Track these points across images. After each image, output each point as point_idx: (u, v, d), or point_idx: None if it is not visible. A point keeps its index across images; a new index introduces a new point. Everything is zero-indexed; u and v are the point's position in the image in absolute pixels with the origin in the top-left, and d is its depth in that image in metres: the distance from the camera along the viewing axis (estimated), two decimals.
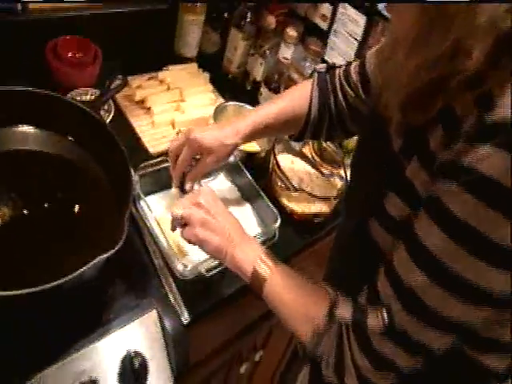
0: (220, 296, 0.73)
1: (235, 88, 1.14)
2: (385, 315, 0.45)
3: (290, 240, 0.82)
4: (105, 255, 0.54)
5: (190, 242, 0.64)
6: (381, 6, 0.93)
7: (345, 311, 0.49)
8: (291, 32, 1.03)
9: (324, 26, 1.09)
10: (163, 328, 0.65)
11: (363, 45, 0.96)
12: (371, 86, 0.67)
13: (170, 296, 0.70)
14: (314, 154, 0.89)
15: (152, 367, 0.61)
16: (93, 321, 0.63)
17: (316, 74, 0.74)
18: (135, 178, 0.84)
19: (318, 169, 0.90)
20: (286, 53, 1.05)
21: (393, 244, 0.47)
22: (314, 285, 0.56)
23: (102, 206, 0.71)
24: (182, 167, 0.74)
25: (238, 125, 0.73)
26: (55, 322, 0.60)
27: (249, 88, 1.14)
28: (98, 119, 0.73)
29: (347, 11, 1.02)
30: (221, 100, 1.10)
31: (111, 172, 0.74)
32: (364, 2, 0.96)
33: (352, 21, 1.00)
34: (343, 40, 1.02)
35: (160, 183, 0.88)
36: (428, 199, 0.42)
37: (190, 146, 0.72)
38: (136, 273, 0.71)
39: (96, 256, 0.54)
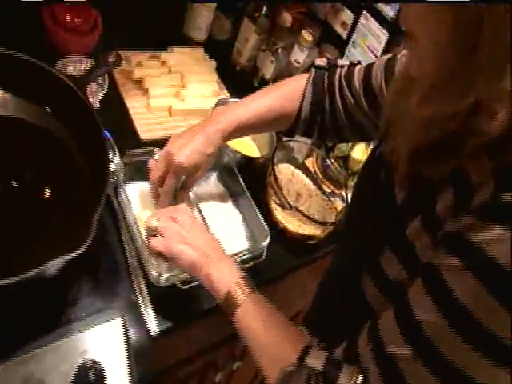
0: (196, 310, 0.68)
1: (242, 82, 1.08)
2: (359, 380, 0.41)
3: (279, 259, 0.77)
4: (65, 256, 0.48)
5: (159, 254, 0.60)
6: None
7: (317, 361, 0.45)
8: (307, 36, 0.98)
9: (343, 34, 1.03)
10: (128, 338, 0.59)
11: None
12: (378, 104, 0.61)
13: (141, 303, 0.64)
14: (316, 169, 0.83)
15: (109, 381, 0.55)
16: (50, 320, 0.57)
17: (313, 70, 0.67)
18: (119, 164, 0.78)
19: (319, 186, 0.85)
20: (299, 56, 1.00)
21: (383, 305, 0.44)
22: (289, 324, 0.52)
23: (75, 195, 0.64)
24: (169, 198, 0.68)
25: (220, 124, 0.65)
26: (5, 318, 0.54)
27: (256, 85, 1.07)
28: (82, 98, 0.65)
29: (369, 23, 0.96)
30: (224, 93, 1.04)
31: (90, 158, 0.67)
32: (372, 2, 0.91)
33: (373, 35, 0.95)
34: (361, 53, 0.97)
35: (147, 174, 0.82)
36: (427, 268, 0.39)
37: (175, 172, 0.65)
38: (107, 271, 0.65)
39: (57, 255, 0.48)
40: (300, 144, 0.87)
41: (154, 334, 0.62)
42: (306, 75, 0.69)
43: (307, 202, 0.81)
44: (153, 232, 0.61)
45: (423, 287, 0.38)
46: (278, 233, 0.78)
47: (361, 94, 0.63)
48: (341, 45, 1.03)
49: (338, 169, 0.82)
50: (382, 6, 0.94)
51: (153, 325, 0.63)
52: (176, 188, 0.69)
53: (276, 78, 1.02)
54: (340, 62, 0.68)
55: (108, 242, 0.69)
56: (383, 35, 0.92)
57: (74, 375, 0.53)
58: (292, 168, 0.88)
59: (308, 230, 0.74)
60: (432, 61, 0.38)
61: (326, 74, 0.68)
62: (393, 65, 0.60)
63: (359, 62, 0.67)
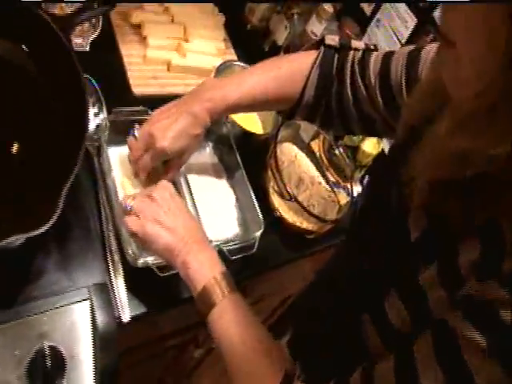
0: (175, 297, 0.61)
1: (251, 43, 0.97)
2: None
3: (273, 250, 0.70)
4: (24, 235, 0.41)
5: (133, 235, 0.55)
6: (437, 15, 0.80)
7: None
8: (327, 7, 0.88)
9: (367, 10, 0.94)
10: (94, 324, 0.52)
11: None
12: (396, 104, 0.53)
13: (114, 285, 0.57)
14: (321, 154, 0.76)
15: (70, 370, 0.50)
16: (6, 297, 0.50)
17: (322, 49, 0.58)
18: (105, 121, 0.69)
19: (322, 172, 0.78)
20: (317, 28, 0.90)
21: (380, 348, 0.39)
22: (268, 336, 0.47)
23: (46, 156, 0.55)
24: (147, 171, 0.62)
25: (208, 102, 0.57)
26: None
27: (266, 49, 0.98)
28: (61, 38, 0.55)
29: (397, 4, 0.87)
30: (231, 52, 0.94)
31: (66, 110, 0.58)
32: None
33: (400, 18, 0.86)
34: (385, 35, 0.89)
35: None
36: (441, 330, 0.33)
37: (156, 157, 0.59)
38: (79, 243, 0.57)
39: (16, 231, 0.41)
40: (307, 124, 0.80)
41: (124, 320, 0.56)
42: (313, 53, 0.59)
43: (308, 189, 0.74)
44: (128, 211, 0.56)
45: (434, 352, 0.33)
46: (274, 220, 0.71)
47: (376, 88, 0.55)
48: (363, 21, 0.94)
49: (346, 158, 0.75)
50: None
51: (124, 311, 0.56)
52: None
53: (288, 47, 0.93)
54: (354, 43, 0.59)
55: (83, 208, 0.62)
56: (411, 21, 0.84)
57: (29, 361, 0.47)
58: (296, 149, 0.80)
59: (306, 223, 0.68)
60: (474, 82, 0.30)
61: (337, 55, 0.58)
62: (416, 60, 0.51)
63: (375, 48, 0.58)
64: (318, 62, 0.58)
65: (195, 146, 0.61)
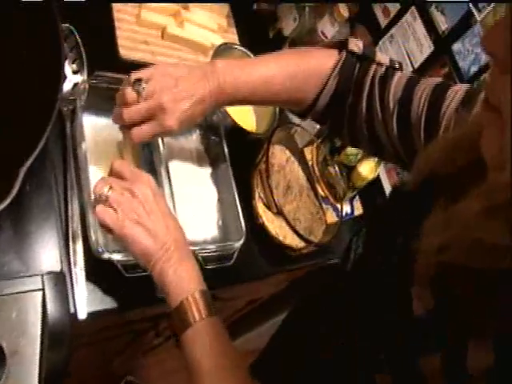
0: (144, 296, 0.55)
1: (255, 26, 0.90)
2: None
3: (252, 261, 0.65)
4: None
5: (107, 230, 0.48)
6: (456, 48, 0.77)
7: None
8: (343, 10, 0.83)
9: (382, 21, 0.90)
10: (45, 318, 0.46)
11: None
12: (412, 139, 0.48)
13: (73, 276, 0.50)
14: (314, 164, 0.72)
15: (11, 368, 0.43)
16: None
17: (344, 55, 0.53)
18: (84, 83, 0.60)
19: (312, 184, 0.74)
20: (328, 30, 0.85)
21: None
22: (243, 374, 0.44)
23: (11, 116, 0.47)
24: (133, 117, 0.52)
25: (221, 87, 0.52)
26: None
27: (270, 36, 0.91)
28: None
29: (415, 24, 0.84)
30: (232, 32, 0.86)
31: (41, 68, 0.48)
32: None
33: (416, 40, 0.84)
34: (397, 53, 0.85)
35: (113, 105, 0.65)
36: None
37: (159, 132, 0.52)
38: (37, 224, 0.49)
39: None
40: (303, 130, 0.75)
41: (80, 317, 0.50)
42: (333, 54, 0.54)
43: (296, 200, 0.70)
44: (102, 200, 0.48)
45: None
46: (255, 227, 0.66)
47: (393, 114, 0.49)
48: (376, 33, 0.90)
49: (339, 175, 0.72)
50: (435, 13, 0.81)
51: (81, 306, 0.50)
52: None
53: (295, 41, 0.87)
54: (378, 56, 0.53)
55: (47, 183, 0.53)
56: (427, 47, 0.81)
57: None
58: (288, 153, 0.75)
59: (289, 239, 0.64)
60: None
61: (358, 65, 0.53)
62: (441, 98, 0.46)
63: (400, 67, 0.54)
64: (337, 68, 0.53)
65: (187, 124, 0.54)
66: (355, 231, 0.47)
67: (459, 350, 0.29)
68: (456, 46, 0.77)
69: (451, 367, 0.30)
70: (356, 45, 0.53)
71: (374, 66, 0.53)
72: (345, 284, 0.45)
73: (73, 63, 0.63)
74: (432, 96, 0.47)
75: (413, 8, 0.85)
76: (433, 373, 0.31)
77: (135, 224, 0.47)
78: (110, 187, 0.48)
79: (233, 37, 0.86)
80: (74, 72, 0.63)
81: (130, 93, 0.51)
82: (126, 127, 0.54)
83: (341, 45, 0.54)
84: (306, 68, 0.54)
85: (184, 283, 0.46)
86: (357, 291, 0.42)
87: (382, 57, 0.54)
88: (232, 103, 0.55)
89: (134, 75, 0.51)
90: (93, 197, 0.50)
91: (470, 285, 0.29)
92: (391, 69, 0.53)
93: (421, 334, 0.33)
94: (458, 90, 0.46)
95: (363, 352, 0.37)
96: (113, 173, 0.52)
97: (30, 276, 0.47)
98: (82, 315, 0.50)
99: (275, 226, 0.65)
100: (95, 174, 0.57)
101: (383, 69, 0.52)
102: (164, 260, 0.47)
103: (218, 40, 0.81)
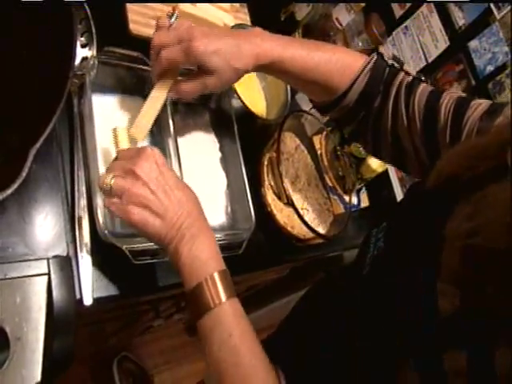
0: (150, 284, 0.54)
1: (267, 8, 0.87)
2: None
3: (260, 250, 0.64)
4: None
5: (116, 215, 0.46)
6: (473, 45, 0.76)
7: None
8: None
9: (397, 12, 0.88)
10: (50, 304, 0.44)
11: (430, 73, 0.79)
12: (436, 145, 0.49)
13: (79, 260, 0.48)
14: (323, 153, 0.71)
15: (15, 354, 0.42)
16: None
17: (375, 56, 0.54)
18: (93, 61, 0.57)
19: (321, 174, 0.73)
20: (343, 17, 0.83)
21: None
22: (267, 362, 0.42)
23: (18, 95, 0.44)
24: (167, 64, 0.51)
25: (257, 47, 0.51)
26: None
27: (282, 18, 0.88)
28: None
29: (432, 18, 0.82)
30: (244, 12, 0.83)
31: (53, 48, 0.46)
32: None
33: (431, 34, 0.82)
34: (411, 46, 0.84)
35: (123, 84, 0.62)
36: None
37: (185, 53, 0.49)
38: (43, 206, 0.47)
39: None
40: (313, 119, 0.73)
41: (86, 303, 0.48)
42: (363, 58, 0.55)
43: (304, 190, 0.69)
44: (107, 191, 0.46)
45: None
46: (263, 215, 0.64)
47: (418, 119, 0.51)
48: (390, 22, 0.88)
49: (349, 167, 0.70)
50: (453, 7, 0.80)
51: (87, 292, 0.49)
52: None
53: (308, 26, 0.84)
54: (406, 67, 0.58)
55: (54, 163, 0.51)
56: (443, 42, 0.80)
57: None
58: (297, 140, 0.74)
59: (297, 229, 0.63)
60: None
61: (388, 69, 0.54)
62: (464, 109, 0.48)
63: (426, 80, 0.55)
64: (369, 66, 0.53)
65: (228, 79, 0.53)
66: (372, 225, 0.47)
67: (486, 348, 0.29)
68: (473, 44, 0.76)
69: (477, 365, 0.30)
70: (386, 51, 0.58)
71: (402, 74, 0.54)
72: (364, 277, 0.44)
73: (81, 36, 0.60)
74: (457, 104, 0.49)
75: (430, 1, 0.84)
76: (458, 370, 0.31)
77: (141, 208, 0.45)
78: (113, 176, 0.46)
79: (244, 17, 0.83)
80: (83, 45, 0.60)
81: (163, 19, 0.52)
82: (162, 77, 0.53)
83: (371, 51, 0.56)
84: (340, 57, 0.54)
85: (200, 263, 0.44)
86: (378, 285, 0.41)
87: (409, 68, 0.57)
88: (267, 68, 0.53)
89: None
90: (99, 189, 0.48)
91: (497, 277, 0.30)
92: (417, 80, 0.54)
93: (446, 331, 0.33)
94: (482, 102, 0.48)
95: (385, 347, 0.37)
96: (117, 157, 0.50)
97: (35, 260, 0.46)
98: (87, 301, 0.49)
99: (283, 216, 0.64)
100: (103, 153, 0.55)
101: (410, 77, 0.54)
102: (177, 239, 0.45)
103: (229, 20, 0.78)
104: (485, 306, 0.31)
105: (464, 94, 0.51)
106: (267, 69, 0.53)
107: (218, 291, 0.43)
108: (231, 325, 0.42)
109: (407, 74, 0.54)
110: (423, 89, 0.52)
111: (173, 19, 0.53)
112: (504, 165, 0.31)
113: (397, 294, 0.38)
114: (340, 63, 0.53)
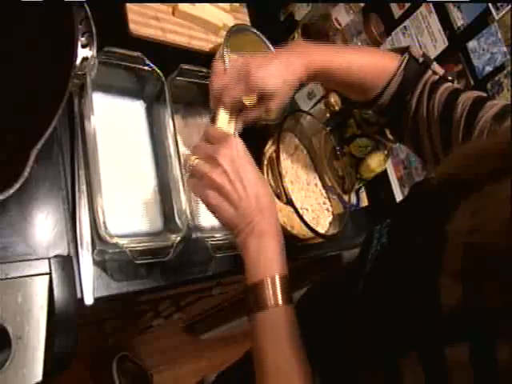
0: (151, 282, 0.54)
1: (265, 7, 0.87)
2: None
3: None
4: None
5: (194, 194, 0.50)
6: (471, 46, 0.76)
7: None
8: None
9: (396, 12, 0.88)
10: (51, 303, 0.45)
11: None
12: (450, 139, 0.52)
13: (80, 260, 0.48)
14: (322, 153, 0.71)
15: (17, 352, 0.42)
16: None
17: (407, 56, 0.57)
18: (93, 61, 0.57)
19: (320, 174, 0.73)
20: (342, 16, 0.84)
21: None
22: (306, 365, 0.43)
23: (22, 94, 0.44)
24: (230, 103, 0.54)
25: (306, 58, 0.54)
26: None
27: (281, 19, 0.88)
28: None
29: (430, 18, 0.83)
30: (244, 12, 0.84)
31: (52, 49, 0.46)
32: None
33: (430, 34, 0.82)
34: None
35: (123, 84, 0.62)
36: None
37: (248, 89, 0.52)
38: (44, 205, 0.47)
39: None
40: (312, 119, 0.74)
41: (87, 303, 0.48)
42: (396, 56, 0.58)
43: (303, 189, 0.69)
44: (190, 170, 0.50)
45: None
46: None
47: (437, 118, 0.54)
48: (389, 22, 0.88)
49: (347, 166, 0.71)
50: (452, 8, 0.80)
51: (88, 291, 0.49)
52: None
53: (307, 26, 0.84)
54: (434, 66, 0.58)
55: (54, 161, 0.51)
56: (442, 42, 0.80)
57: None
58: (296, 141, 0.74)
59: (297, 229, 0.63)
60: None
61: (418, 67, 0.57)
62: (478, 109, 0.50)
63: (452, 80, 0.57)
64: (401, 69, 0.56)
65: (285, 95, 0.55)
66: (376, 222, 0.48)
67: (488, 341, 0.30)
68: (471, 44, 0.76)
69: (479, 358, 0.31)
70: (417, 51, 0.58)
71: (429, 72, 0.57)
72: (366, 273, 0.45)
73: (82, 36, 0.60)
74: (473, 104, 0.50)
75: (428, 1, 0.84)
76: (460, 362, 0.32)
77: (218, 195, 0.47)
78: (196, 158, 0.49)
79: (244, 17, 0.83)
80: (83, 46, 0.60)
81: (216, 64, 0.57)
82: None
83: (403, 50, 0.58)
84: (377, 61, 0.58)
85: (265, 262, 0.45)
86: (381, 280, 0.42)
87: (438, 68, 0.58)
88: (314, 70, 0.55)
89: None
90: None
91: (497, 272, 0.31)
92: (443, 79, 0.56)
93: (448, 325, 0.33)
94: (498, 103, 0.49)
95: (388, 341, 0.38)
96: (203, 137, 0.52)
97: (36, 259, 0.46)
98: (88, 301, 0.49)
99: (283, 215, 0.64)
100: (103, 153, 0.55)
101: (436, 77, 0.56)
102: (247, 232, 0.46)
103: (229, 20, 0.78)
104: (486, 300, 0.32)
105: (484, 94, 0.53)
106: (317, 77, 0.56)
107: (277, 294, 0.44)
108: (280, 331, 0.43)
109: (434, 72, 0.57)
110: (445, 88, 0.54)
111: (226, 61, 0.57)
112: (505, 166, 0.32)
113: (399, 289, 0.39)
114: (377, 66, 0.57)
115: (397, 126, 0.60)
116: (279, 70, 0.52)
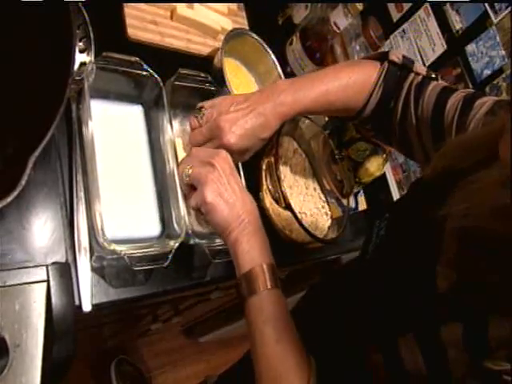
0: (148, 288, 0.54)
1: (264, 11, 0.88)
2: None
3: None
4: None
5: (194, 208, 0.54)
6: (470, 49, 0.76)
7: None
8: (358, 4, 0.81)
9: (394, 16, 0.88)
10: (49, 311, 0.44)
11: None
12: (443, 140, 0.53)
13: (78, 267, 0.48)
14: (321, 157, 0.71)
15: (14, 360, 0.42)
16: None
17: (386, 65, 0.58)
18: (91, 66, 0.57)
19: (319, 178, 0.73)
20: (341, 20, 0.83)
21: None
22: (299, 343, 0.47)
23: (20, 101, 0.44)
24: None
25: (282, 107, 0.55)
26: None
27: (280, 22, 0.88)
28: None
29: (429, 22, 0.83)
30: (242, 16, 0.83)
31: (53, 54, 0.46)
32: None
33: (428, 37, 0.82)
34: (408, 49, 0.84)
35: (121, 89, 0.62)
36: None
37: (210, 128, 0.56)
38: (41, 212, 0.47)
39: None
40: (310, 122, 0.74)
41: (85, 310, 0.48)
42: (376, 65, 0.59)
43: (302, 194, 0.69)
44: (187, 183, 0.54)
45: None
46: (264, 220, 0.65)
47: (427, 118, 0.54)
48: (387, 26, 0.89)
49: (346, 171, 0.71)
50: (450, 11, 0.80)
51: (86, 298, 0.49)
52: None
53: (306, 30, 0.84)
54: (416, 67, 0.58)
55: (53, 168, 0.51)
56: (440, 46, 0.80)
57: None
58: (295, 144, 0.74)
59: (296, 234, 0.64)
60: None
61: (399, 73, 0.58)
62: (469, 108, 0.51)
63: (436, 77, 0.58)
64: (381, 78, 0.57)
65: (258, 147, 0.59)
66: (376, 216, 0.50)
67: (481, 321, 0.32)
68: (470, 48, 0.76)
69: (471, 337, 0.33)
70: (396, 56, 0.58)
71: (412, 75, 0.57)
72: (365, 263, 0.48)
73: (80, 41, 0.60)
74: (463, 104, 0.51)
75: (426, 4, 0.84)
76: (454, 341, 0.34)
77: (215, 194, 0.51)
78: (191, 166, 0.53)
79: (242, 21, 0.83)
80: (81, 51, 0.60)
81: (192, 120, 0.58)
82: None
83: (382, 56, 0.59)
84: (356, 79, 0.58)
85: (255, 253, 0.50)
86: (381, 270, 0.45)
87: (420, 68, 0.58)
88: (291, 116, 0.57)
89: (199, 104, 0.58)
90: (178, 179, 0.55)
91: (492, 257, 0.33)
92: (428, 78, 0.57)
93: (443, 306, 0.36)
94: (488, 100, 0.50)
95: (386, 316, 0.41)
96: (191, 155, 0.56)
97: (34, 266, 0.46)
98: (86, 308, 0.49)
99: (281, 220, 0.64)
100: (101, 159, 0.55)
101: (420, 77, 0.57)
102: (240, 230, 0.50)
103: (227, 24, 0.78)
104: (478, 284, 0.34)
105: (471, 91, 0.53)
106: (293, 117, 0.58)
107: (266, 279, 0.48)
108: (273, 309, 0.47)
109: (417, 74, 0.57)
110: (432, 88, 0.55)
111: (201, 114, 0.57)
112: (493, 155, 0.34)
113: (397, 276, 0.42)
114: (356, 85, 0.58)
115: (382, 133, 0.61)
116: (253, 128, 0.55)
